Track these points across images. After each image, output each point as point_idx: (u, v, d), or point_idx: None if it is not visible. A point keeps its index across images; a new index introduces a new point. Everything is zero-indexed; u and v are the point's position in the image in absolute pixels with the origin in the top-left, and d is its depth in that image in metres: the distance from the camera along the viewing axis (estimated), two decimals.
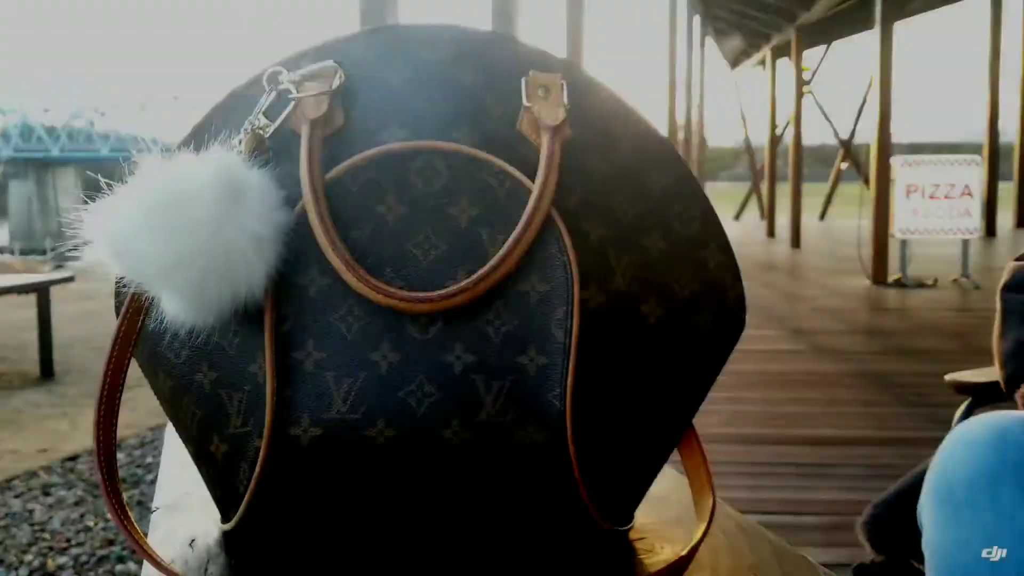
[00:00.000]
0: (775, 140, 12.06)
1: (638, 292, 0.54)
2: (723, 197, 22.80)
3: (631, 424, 0.54)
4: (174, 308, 0.50)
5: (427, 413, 0.49)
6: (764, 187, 12.97)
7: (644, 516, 0.59)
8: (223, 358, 0.51)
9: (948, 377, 1.12)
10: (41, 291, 4.81)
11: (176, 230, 0.48)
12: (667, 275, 0.55)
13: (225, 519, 0.54)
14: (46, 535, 2.72)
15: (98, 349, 5.96)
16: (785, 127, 12.14)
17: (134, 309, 0.53)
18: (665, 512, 0.62)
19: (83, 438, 3.81)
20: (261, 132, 0.52)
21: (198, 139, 0.53)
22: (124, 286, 0.52)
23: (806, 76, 12.51)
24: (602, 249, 0.53)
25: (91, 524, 2.82)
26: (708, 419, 3.27)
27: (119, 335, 0.53)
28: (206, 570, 0.52)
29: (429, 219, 0.51)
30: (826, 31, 10.75)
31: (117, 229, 0.49)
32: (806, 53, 13.09)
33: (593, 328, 0.50)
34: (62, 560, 2.54)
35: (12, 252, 20.95)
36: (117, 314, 0.54)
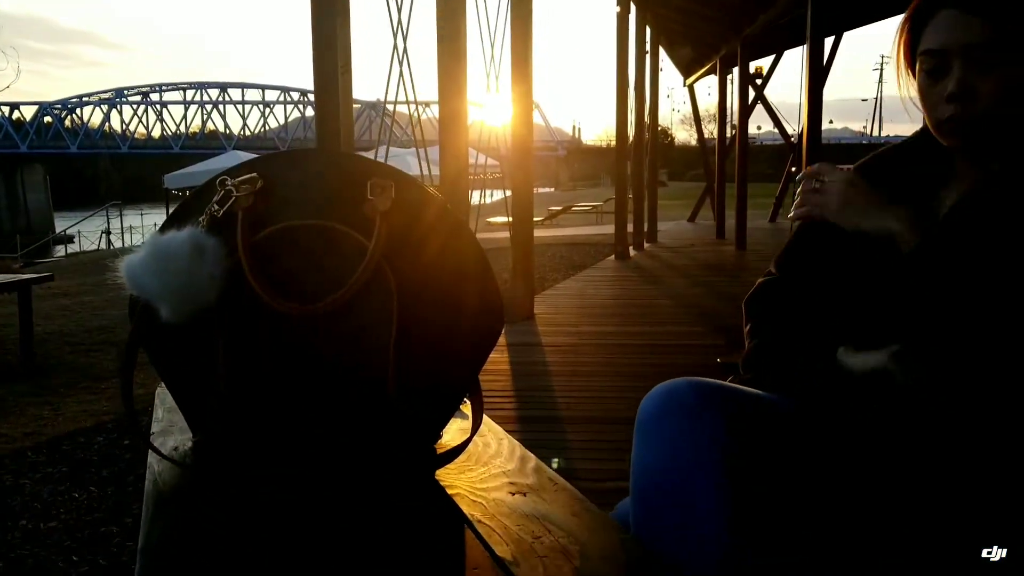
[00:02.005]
0: (724, 145, 12.60)
1: (429, 300, 0.94)
2: (685, 196, 23.34)
3: (431, 380, 0.95)
4: (164, 313, 0.89)
5: (305, 372, 0.89)
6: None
7: (448, 438, 0.99)
8: (192, 341, 0.91)
9: (720, 359, 1.53)
10: (23, 289, 5.14)
11: (165, 272, 0.88)
12: (458, 297, 0.96)
13: (194, 434, 0.94)
14: (37, 504, 3.09)
15: (74, 344, 6.28)
16: (734, 133, 12.65)
17: (141, 311, 0.93)
18: (461, 437, 1.03)
19: (65, 423, 4.16)
20: (215, 214, 0.92)
21: (180, 217, 0.93)
22: (136, 300, 0.92)
23: (758, 82, 13.05)
24: (412, 278, 0.94)
25: (76, 495, 3.19)
26: (610, 404, 3.69)
27: (135, 326, 0.93)
28: (184, 461, 0.92)
29: (309, 263, 0.91)
30: (770, 43, 11.31)
31: (134, 269, 0.89)
32: (762, 60, 13.67)
33: (407, 319, 0.91)
34: (52, 524, 2.91)
35: None
36: (131, 314, 0.94)
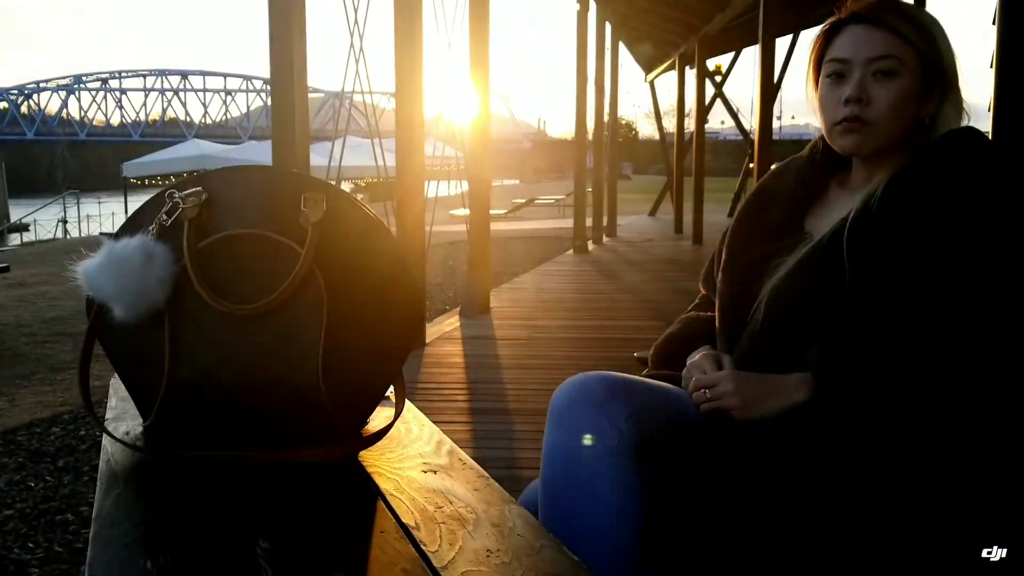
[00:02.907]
0: (683, 141, 12.86)
1: (360, 309, 1.06)
2: (646, 191, 23.60)
3: (357, 372, 1.07)
4: (118, 312, 1.00)
5: (244, 365, 1.01)
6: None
7: (375, 423, 1.11)
8: (143, 337, 1.02)
9: (636, 355, 1.67)
10: None
11: (119, 275, 0.98)
12: (381, 300, 1.08)
13: (144, 420, 1.05)
14: None
15: (29, 335, 6.28)
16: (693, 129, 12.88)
17: (96, 310, 1.04)
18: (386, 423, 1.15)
19: (20, 414, 4.20)
20: (164, 224, 1.03)
21: (132, 226, 1.04)
22: (92, 300, 1.02)
23: (718, 79, 13.31)
24: (340, 282, 1.05)
25: (32, 484, 3.26)
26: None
27: (91, 323, 1.03)
28: (135, 444, 1.03)
29: (248, 268, 1.02)
30: (728, 41, 11.55)
31: (91, 272, 1.00)
32: (721, 58, 13.92)
33: (335, 318, 1.03)
34: (8, 512, 2.98)
35: None
36: (88, 312, 1.04)
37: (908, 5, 1.30)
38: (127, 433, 1.07)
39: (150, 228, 1.03)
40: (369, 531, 0.81)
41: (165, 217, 1.03)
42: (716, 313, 1.40)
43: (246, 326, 1.01)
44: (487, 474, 0.98)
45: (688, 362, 1.32)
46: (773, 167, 1.53)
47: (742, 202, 1.53)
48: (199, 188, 1.04)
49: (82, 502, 3.07)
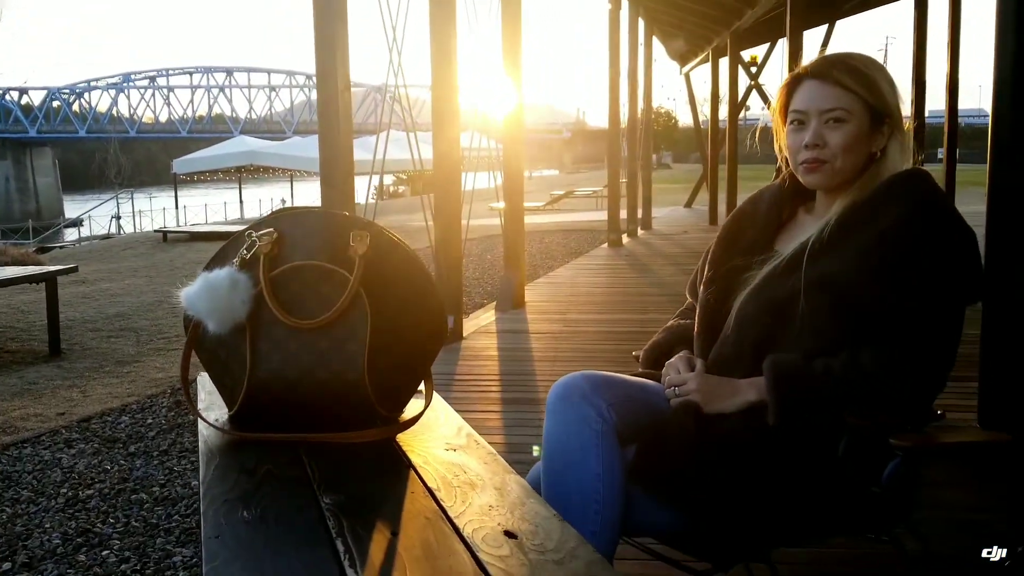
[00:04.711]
0: (717, 133, 13.00)
1: (396, 322, 1.34)
2: (685, 180, 23.64)
3: (394, 372, 1.35)
4: (210, 326, 1.30)
5: (307, 367, 1.30)
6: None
7: (408, 413, 1.40)
8: (229, 346, 1.32)
9: (634, 353, 1.93)
10: (49, 279, 5.57)
11: (211, 298, 1.28)
12: (413, 314, 1.36)
13: (230, 409, 1.34)
14: (74, 475, 3.53)
15: (97, 330, 6.72)
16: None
17: (194, 325, 1.34)
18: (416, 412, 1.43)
19: (93, 404, 4.60)
20: (244, 257, 1.32)
21: (220, 259, 1.33)
22: (189, 317, 1.32)
23: (753, 70, 13.39)
24: (380, 300, 1.34)
25: (108, 467, 3.62)
26: None
27: (189, 337, 1.33)
28: (224, 428, 1.33)
29: (310, 291, 1.31)
30: (759, 34, 11.65)
31: (189, 296, 1.30)
32: (756, 48, 13.98)
33: (377, 330, 1.31)
34: (89, 492, 3.34)
35: None
36: (185, 328, 1.34)
37: (854, 59, 1.54)
38: (216, 419, 1.37)
39: (234, 260, 1.32)
40: (403, 492, 1.10)
41: (245, 252, 1.32)
42: (696, 320, 1.65)
43: (308, 336, 1.29)
44: (495, 452, 1.25)
45: (666, 363, 1.59)
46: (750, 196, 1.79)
47: (723, 221, 1.79)
48: (271, 229, 1.33)
49: (153, 483, 3.42)
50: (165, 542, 2.86)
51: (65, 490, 3.37)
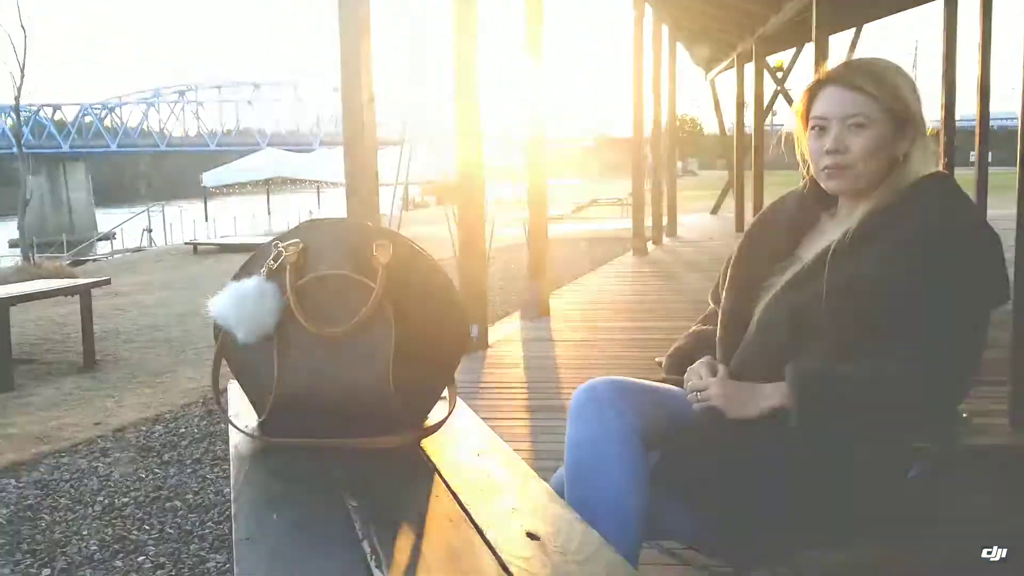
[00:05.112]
0: (743, 138, 12.94)
1: (420, 329, 1.37)
2: (711, 187, 23.52)
3: (418, 379, 1.38)
4: (239, 335, 1.33)
5: (333, 374, 1.33)
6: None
7: (432, 419, 1.42)
8: (259, 354, 1.35)
9: (657, 359, 1.95)
10: (84, 292, 5.69)
11: (240, 307, 1.32)
12: (436, 322, 1.39)
13: (259, 416, 1.38)
14: (110, 483, 3.60)
15: (130, 341, 6.84)
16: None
17: (223, 334, 1.37)
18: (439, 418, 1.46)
19: (127, 413, 4.68)
20: (271, 267, 1.36)
21: (248, 269, 1.37)
22: (219, 327, 1.36)
23: (779, 75, 13.33)
24: (404, 309, 1.37)
25: (143, 476, 3.69)
26: None
27: (219, 346, 1.37)
28: (254, 435, 1.36)
29: (335, 300, 1.35)
30: (785, 40, 11.60)
31: (219, 306, 1.33)
32: (782, 54, 13.93)
33: (401, 337, 1.34)
34: (125, 500, 3.41)
35: (32, 247, 21.73)
36: (216, 337, 1.38)
37: (875, 65, 1.54)
38: (247, 426, 1.40)
39: (261, 271, 1.36)
40: (427, 495, 1.12)
41: (272, 262, 1.36)
42: (718, 326, 1.67)
43: (334, 344, 1.33)
44: (518, 456, 1.28)
45: (689, 368, 1.60)
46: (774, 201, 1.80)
47: (746, 228, 1.80)
48: (297, 240, 1.37)
49: (187, 491, 3.49)
50: (199, 548, 2.91)
51: (102, 498, 3.44)
